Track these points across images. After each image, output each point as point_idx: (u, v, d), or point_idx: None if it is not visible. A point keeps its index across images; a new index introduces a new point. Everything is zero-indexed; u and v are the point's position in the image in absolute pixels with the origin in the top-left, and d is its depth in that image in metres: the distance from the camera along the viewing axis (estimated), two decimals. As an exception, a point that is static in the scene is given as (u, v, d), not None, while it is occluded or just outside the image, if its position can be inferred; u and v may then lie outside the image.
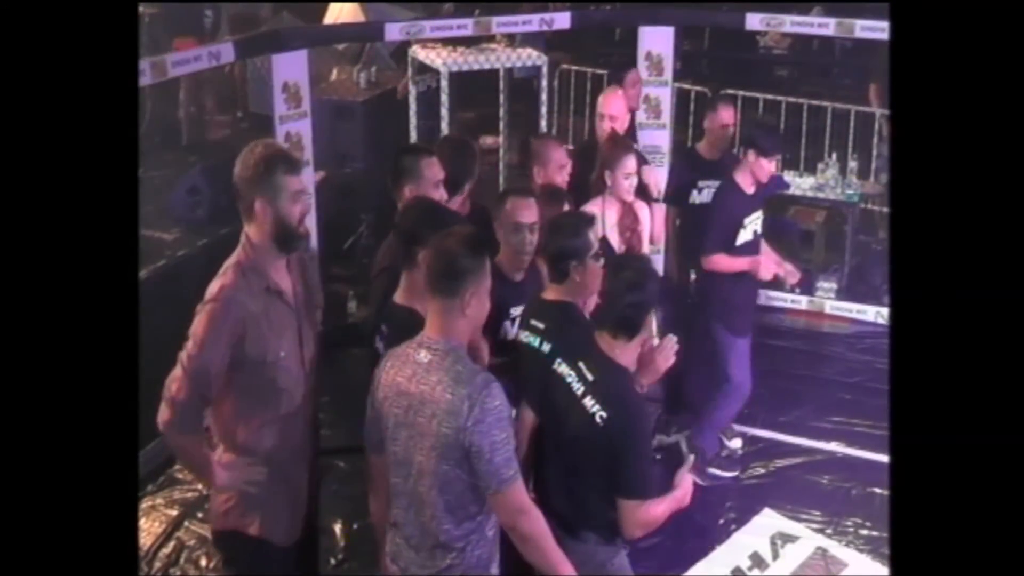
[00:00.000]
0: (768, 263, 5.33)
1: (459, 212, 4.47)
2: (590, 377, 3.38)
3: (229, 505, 3.38)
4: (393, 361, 3.12)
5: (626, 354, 3.42)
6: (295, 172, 3.32)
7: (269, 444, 3.35)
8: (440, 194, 4.14)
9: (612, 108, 5.60)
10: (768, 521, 5.27)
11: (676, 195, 5.75)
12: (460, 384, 2.94)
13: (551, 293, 3.83)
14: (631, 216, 5.03)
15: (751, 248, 5.30)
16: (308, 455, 3.53)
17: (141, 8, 8.58)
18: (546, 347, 3.70)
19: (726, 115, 5.72)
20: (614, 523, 3.34)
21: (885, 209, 7.71)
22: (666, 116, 7.31)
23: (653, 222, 5.20)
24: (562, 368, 3.47)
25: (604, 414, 3.30)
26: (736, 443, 5.89)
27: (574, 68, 9.56)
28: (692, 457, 3.81)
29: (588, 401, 3.35)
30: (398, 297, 3.60)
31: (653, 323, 5.24)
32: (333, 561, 5.04)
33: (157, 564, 4.92)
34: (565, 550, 3.19)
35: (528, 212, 4.03)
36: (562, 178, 4.69)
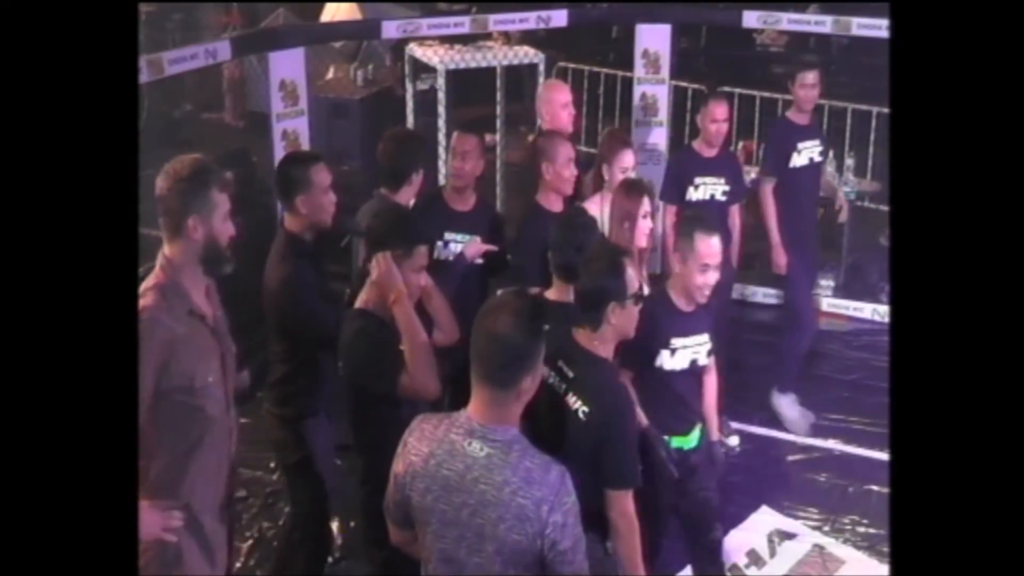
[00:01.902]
0: None
1: (416, 202, 4.66)
2: (571, 374, 3.38)
3: (143, 561, 2.90)
4: (432, 447, 2.68)
5: (606, 346, 3.43)
6: (226, 189, 3.10)
7: (191, 483, 3.07)
8: (330, 198, 4.11)
9: (564, 97, 5.62)
10: (765, 518, 5.28)
11: (673, 192, 5.76)
12: (533, 485, 2.57)
13: (554, 293, 3.82)
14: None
15: None
16: (228, 496, 3.28)
17: (140, 7, 8.61)
18: None
19: (718, 111, 5.74)
20: (606, 518, 3.34)
21: (882, 207, 7.72)
22: (663, 114, 7.32)
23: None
24: (543, 370, 3.46)
25: (586, 409, 3.30)
26: (734, 440, 5.90)
27: (571, 66, 9.55)
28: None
29: (570, 398, 3.34)
30: (358, 302, 3.55)
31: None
32: (330, 559, 5.03)
33: (155, 562, 4.92)
34: None
35: (714, 252, 3.96)
36: (570, 172, 4.71)
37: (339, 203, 4.20)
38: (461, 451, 2.63)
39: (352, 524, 5.12)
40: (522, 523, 2.56)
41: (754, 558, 4.99)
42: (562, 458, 3.32)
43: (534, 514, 2.55)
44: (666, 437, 4.00)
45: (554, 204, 4.72)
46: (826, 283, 7.47)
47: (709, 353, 4.18)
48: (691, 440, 4.17)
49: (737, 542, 5.10)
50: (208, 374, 3.07)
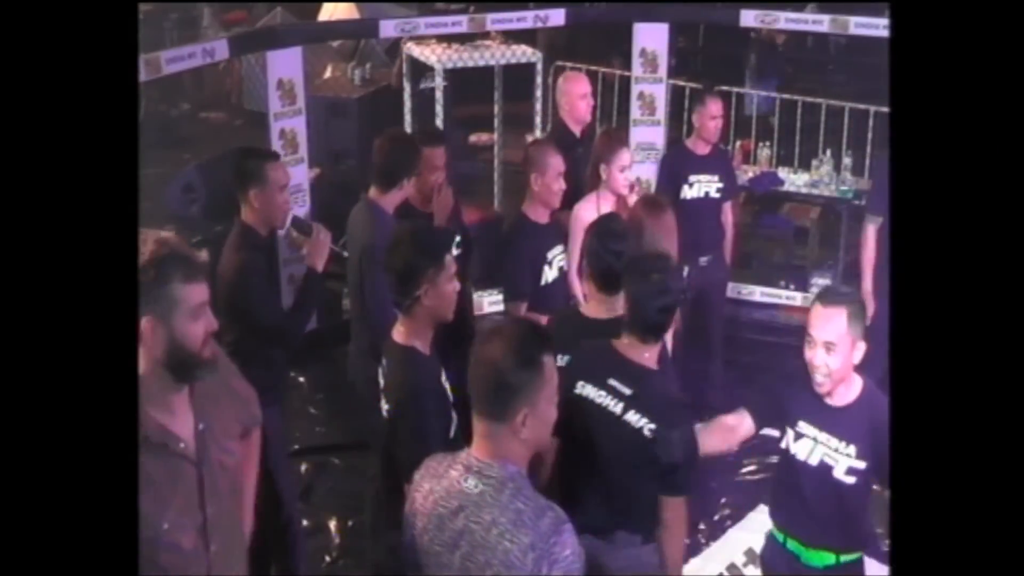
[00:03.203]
0: None
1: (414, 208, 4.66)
2: (627, 391, 3.23)
3: None
4: (432, 483, 2.52)
5: (653, 356, 3.34)
6: (196, 279, 2.47)
7: None
8: (284, 197, 4.15)
9: (582, 88, 5.64)
10: (763, 517, 5.20)
11: (667, 190, 5.76)
12: (521, 529, 2.34)
13: (593, 308, 3.77)
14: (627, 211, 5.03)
15: None
16: None
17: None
18: (561, 361, 3.26)
19: (715, 108, 5.75)
20: (656, 519, 3.28)
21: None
22: (661, 113, 7.33)
23: None
24: (587, 390, 3.30)
25: (652, 425, 3.17)
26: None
27: (569, 65, 9.55)
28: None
29: (632, 416, 3.20)
30: (397, 335, 3.42)
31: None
32: (328, 559, 5.04)
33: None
34: (607, 557, 3.13)
35: (818, 325, 3.30)
36: (559, 185, 4.67)
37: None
38: (457, 488, 2.45)
39: (351, 524, 5.14)
40: (506, 569, 2.33)
41: (752, 557, 4.99)
42: (622, 475, 3.22)
43: (520, 562, 2.31)
44: (803, 550, 3.59)
45: (540, 216, 4.69)
46: (823, 282, 7.47)
47: (851, 472, 3.40)
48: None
49: (735, 541, 5.11)
50: (163, 519, 2.43)
